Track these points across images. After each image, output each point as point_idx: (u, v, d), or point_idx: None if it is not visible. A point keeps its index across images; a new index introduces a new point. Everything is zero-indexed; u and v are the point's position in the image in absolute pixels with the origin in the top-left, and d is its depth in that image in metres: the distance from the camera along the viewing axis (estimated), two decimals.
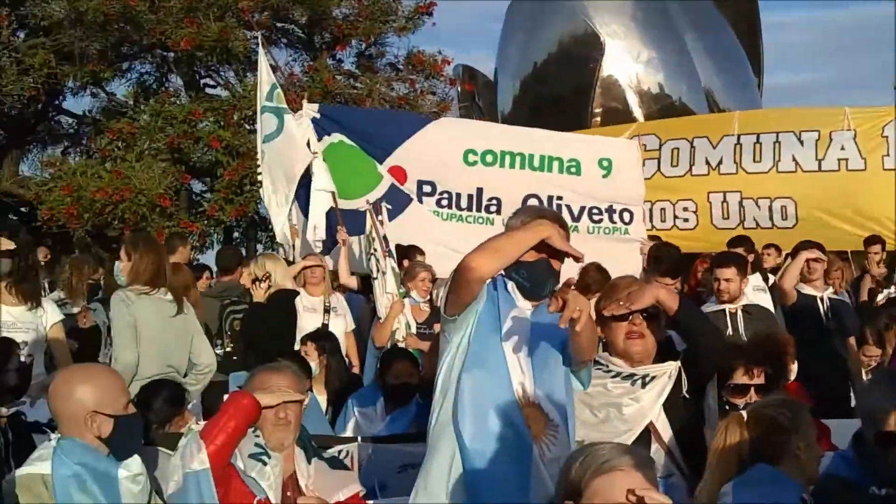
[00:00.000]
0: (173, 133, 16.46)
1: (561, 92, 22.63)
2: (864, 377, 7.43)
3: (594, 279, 7.39)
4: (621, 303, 3.94)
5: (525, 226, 3.75)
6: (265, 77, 9.80)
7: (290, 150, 9.51)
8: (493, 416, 3.59)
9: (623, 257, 9.35)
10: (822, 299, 7.92)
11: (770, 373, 4.41)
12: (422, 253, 8.93)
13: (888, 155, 10.97)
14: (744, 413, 3.51)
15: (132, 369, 5.52)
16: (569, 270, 4.00)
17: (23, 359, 5.55)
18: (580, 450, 2.80)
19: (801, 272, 7.87)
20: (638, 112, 21.80)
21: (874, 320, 6.70)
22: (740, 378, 4.32)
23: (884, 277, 9.40)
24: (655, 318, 4.06)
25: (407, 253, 8.84)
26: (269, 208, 9.70)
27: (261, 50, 10.18)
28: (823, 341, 7.61)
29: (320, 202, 9.45)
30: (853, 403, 7.28)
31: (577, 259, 3.72)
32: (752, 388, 4.30)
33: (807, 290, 7.91)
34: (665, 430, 4.02)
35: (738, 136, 11.64)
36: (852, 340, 7.96)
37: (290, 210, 9.67)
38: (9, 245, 5.63)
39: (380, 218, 8.75)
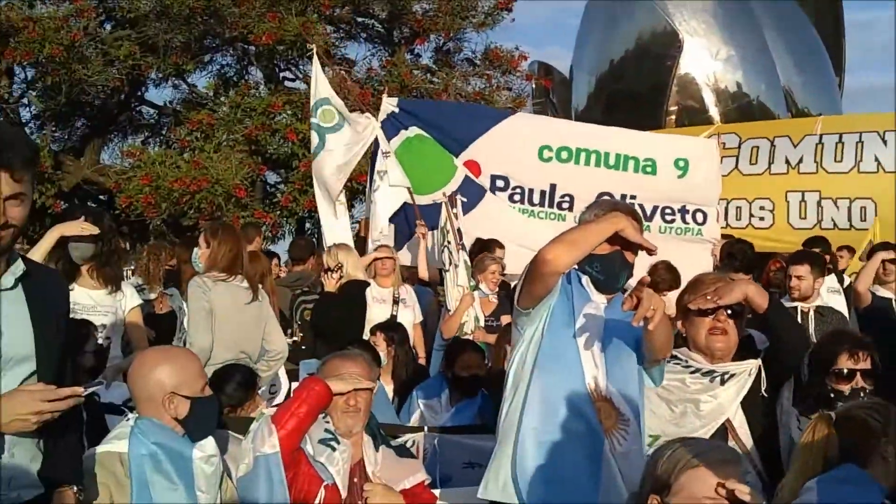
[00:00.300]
0: (251, 125, 16.66)
1: (637, 89, 22.49)
2: None
3: (663, 278, 7.36)
4: (709, 297, 3.89)
5: (599, 218, 3.73)
6: (314, 91, 9.85)
7: (328, 168, 9.60)
8: (565, 409, 3.59)
9: (694, 258, 9.21)
10: None
11: (876, 358, 4.24)
12: (501, 247, 8.91)
13: None
14: (832, 413, 3.45)
15: (206, 354, 5.59)
16: (638, 269, 3.97)
17: (100, 341, 5.69)
18: (667, 444, 2.80)
19: (877, 274, 7.68)
20: (714, 111, 21.56)
21: None
22: (845, 363, 4.12)
23: None
24: (739, 315, 4.02)
25: (488, 246, 8.85)
26: (320, 215, 9.80)
27: (315, 63, 10.15)
28: None
29: (393, 199, 9.52)
30: None
31: (651, 252, 3.69)
32: (859, 374, 4.13)
33: (882, 292, 7.71)
34: (742, 429, 3.97)
35: (821, 136, 11.43)
36: None
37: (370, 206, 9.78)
38: (93, 230, 5.74)
39: (455, 210, 8.76)
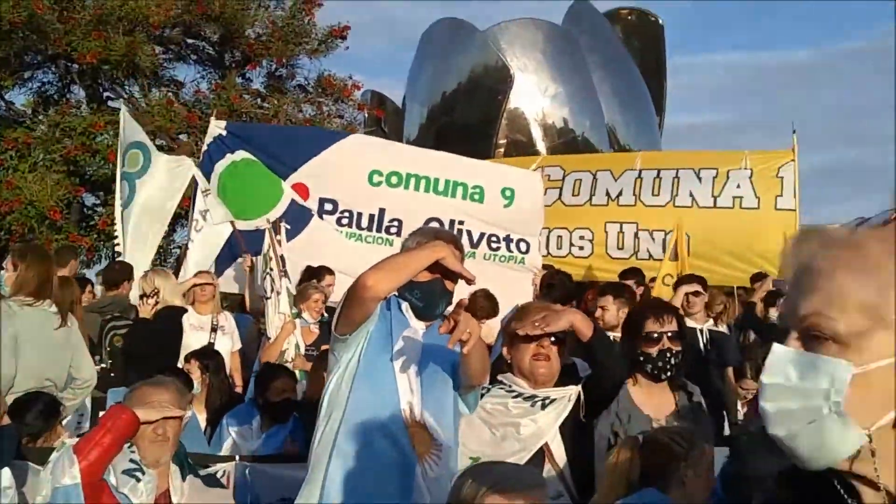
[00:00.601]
0: (71, 145, 16.06)
1: (467, 122, 22.85)
2: (740, 408, 7.64)
3: (481, 306, 7.48)
4: (536, 324, 3.95)
5: (421, 246, 3.74)
6: (122, 140, 9.68)
7: (143, 216, 9.44)
8: (378, 434, 3.56)
9: (517, 286, 9.38)
10: (702, 331, 8.09)
11: (682, 324, 4.58)
12: (332, 273, 8.82)
13: (781, 195, 11.24)
14: (640, 437, 3.56)
15: (9, 382, 5.33)
16: (458, 297, 4.01)
17: None
18: (472, 468, 2.81)
19: (682, 306, 8.01)
20: (541, 145, 22.11)
21: (753, 355, 6.88)
22: (651, 326, 4.45)
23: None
24: (562, 342, 4.12)
25: (317, 274, 8.74)
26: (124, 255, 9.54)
27: (123, 113, 10.08)
28: (702, 372, 7.73)
29: (216, 239, 9.34)
30: (727, 432, 7.46)
31: (470, 281, 3.73)
32: (665, 336, 4.43)
33: (688, 322, 8.05)
34: (559, 452, 4.05)
35: (640, 171, 11.84)
36: (730, 371, 8.19)
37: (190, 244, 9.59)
38: None
39: (278, 237, 8.64)
